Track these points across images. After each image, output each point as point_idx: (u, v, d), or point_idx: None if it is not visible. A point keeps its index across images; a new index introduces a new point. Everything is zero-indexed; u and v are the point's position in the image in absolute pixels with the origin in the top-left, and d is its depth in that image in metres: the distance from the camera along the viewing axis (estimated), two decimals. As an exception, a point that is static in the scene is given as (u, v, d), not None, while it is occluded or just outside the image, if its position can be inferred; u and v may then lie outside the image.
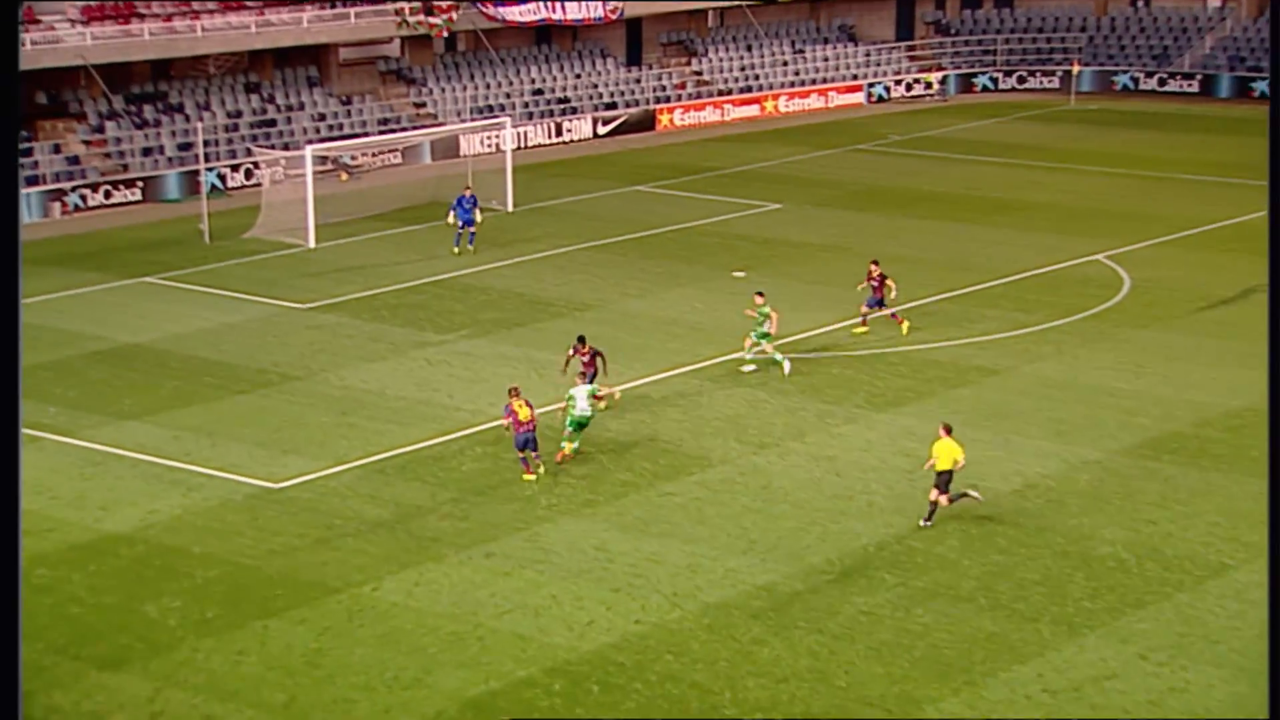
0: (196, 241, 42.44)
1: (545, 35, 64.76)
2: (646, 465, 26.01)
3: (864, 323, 32.91)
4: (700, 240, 42.60)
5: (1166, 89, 68.27)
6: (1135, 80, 69.08)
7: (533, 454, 25.28)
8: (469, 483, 25.34)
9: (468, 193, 41.33)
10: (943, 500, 23.30)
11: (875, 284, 32.57)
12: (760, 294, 30.85)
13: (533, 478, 25.21)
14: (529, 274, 38.85)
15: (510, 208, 46.43)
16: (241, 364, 31.64)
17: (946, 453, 23.30)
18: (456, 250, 40.60)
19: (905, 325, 32.85)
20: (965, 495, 23.51)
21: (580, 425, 25.95)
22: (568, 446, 26.01)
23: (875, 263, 32.92)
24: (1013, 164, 54.03)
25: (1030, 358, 31.71)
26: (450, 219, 41.04)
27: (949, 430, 23.52)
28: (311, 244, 41.96)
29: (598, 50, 65.42)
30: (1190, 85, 68.10)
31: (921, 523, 23.44)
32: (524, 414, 25.20)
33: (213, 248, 41.88)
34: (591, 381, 26.79)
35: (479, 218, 41.04)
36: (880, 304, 32.74)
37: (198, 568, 22.31)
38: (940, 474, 23.29)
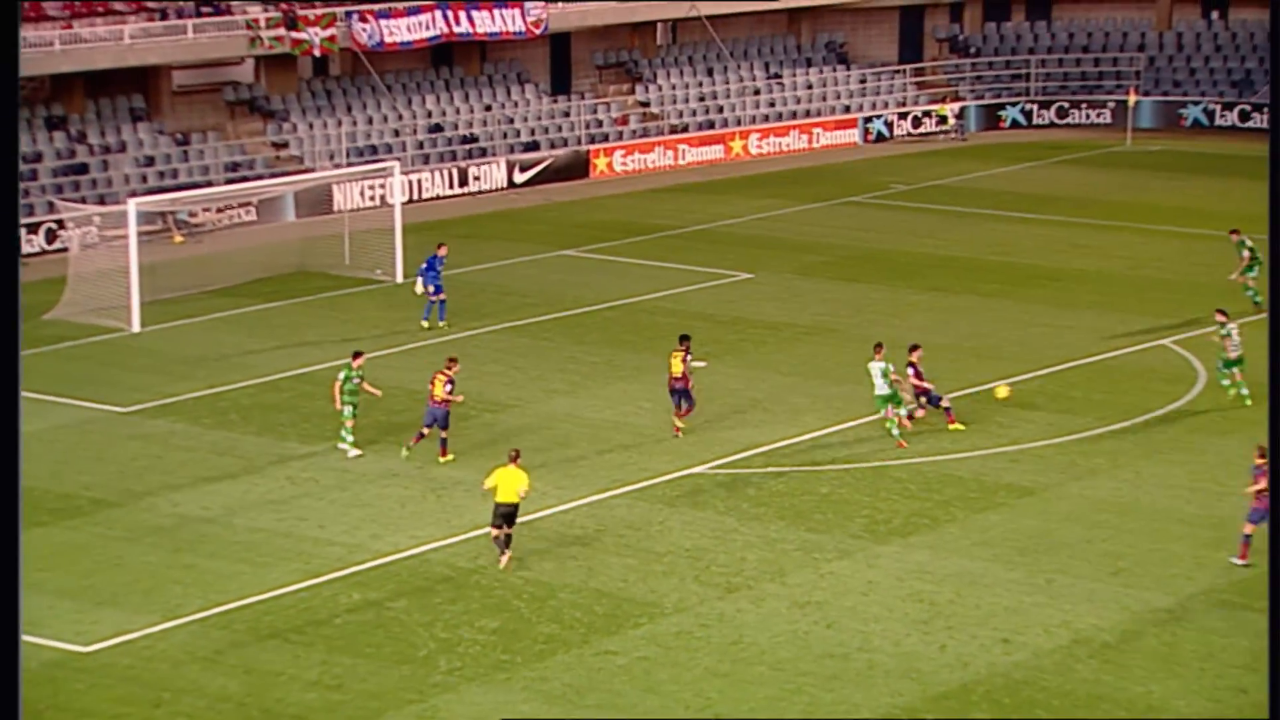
0: (-18, 324, 42.23)
1: (445, 55, 65.45)
2: (578, 615, 26.04)
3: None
4: (648, 320, 42.94)
5: (1250, 124, 69.85)
6: (1209, 113, 70.67)
7: (437, 430, 32.02)
8: (345, 641, 25.25)
9: (442, 252, 42.21)
10: (495, 532, 27.23)
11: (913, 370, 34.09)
12: (358, 354, 33.25)
13: (405, 453, 32.24)
14: (425, 364, 38.91)
15: (400, 278, 46.62)
16: (40, 486, 31.44)
17: (509, 482, 27.02)
18: (425, 324, 41.62)
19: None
20: (505, 541, 27.29)
21: (888, 400, 33.23)
22: (898, 422, 33.19)
23: (915, 347, 34.36)
24: (1052, 221, 54.91)
25: (1078, 473, 32.09)
26: (419, 289, 41.82)
27: (516, 457, 27.40)
28: (135, 327, 41.93)
29: (514, 75, 66.20)
30: None
31: (502, 563, 27.22)
32: (437, 390, 31.99)
33: (4, 332, 41.69)
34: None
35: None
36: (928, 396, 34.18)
37: (-20, 758, 22.04)
38: (500, 505, 27.00)
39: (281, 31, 57.83)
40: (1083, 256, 49.82)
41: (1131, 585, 26.95)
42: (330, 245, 48.56)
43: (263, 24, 57.75)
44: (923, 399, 33.92)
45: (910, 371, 33.73)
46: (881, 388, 33.32)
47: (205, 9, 57.80)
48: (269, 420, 35.19)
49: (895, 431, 33.22)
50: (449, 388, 32.03)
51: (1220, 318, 35.69)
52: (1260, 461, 26.81)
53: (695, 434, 33.99)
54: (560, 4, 64.89)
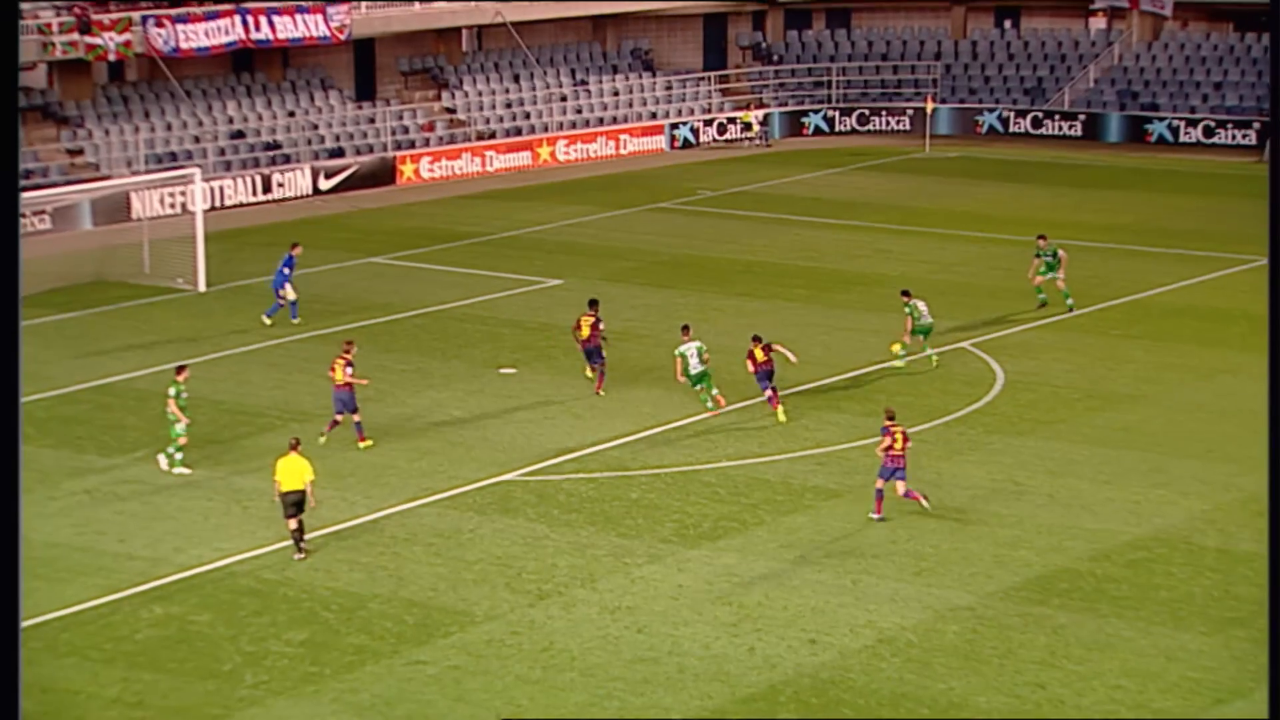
0: None
1: (246, 61, 64.66)
2: (388, 625, 25.89)
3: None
4: (456, 328, 42.82)
5: (1042, 131, 71.60)
6: (1004, 121, 72.27)
7: (343, 416, 33.08)
8: (146, 656, 24.84)
9: (296, 252, 42.44)
10: (291, 524, 27.69)
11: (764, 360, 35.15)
12: (181, 368, 32.72)
13: (322, 439, 32.94)
14: (229, 374, 38.47)
15: (203, 286, 45.99)
16: None
17: (293, 471, 27.64)
18: (297, 321, 41.89)
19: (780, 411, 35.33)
20: (301, 540, 27.83)
21: (701, 378, 34.77)
22: (710, 401, 35.00)
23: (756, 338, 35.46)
24: (854, 226, 55.73)
25: (882, 474, 32.58)
26: (290, 295, 41.94)
27: (296, 445, 28.07)
28: (-73, 338, 40.87)
29: (318, 81, 65.62)
30: (1072, 127, 71.54)
31: (295, 557, 27.71)
32: (338, 375, 33.03)
33: None
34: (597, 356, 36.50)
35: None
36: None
37: None
38: (288, 494, 27.60)
39: (75, 36, 56.68)
40: (885, 261, 50.62)
41: (933, 584, 27.43)
42: (129, 254, 47.72)
43: (55, 29, 56.55)
44: (763, 385, 34.93)
45: (750, 361, 34.94)
46: (696, 367, 34.77)
47: (-5, 12, 56.47)
48: (66, 433, 34.49)
49: (709, 402, 35.17)
50: (350, 370, 32.98)
51: (905, 298, 39.04)
52: (888, 423, 29.65)
53: (503, 440, 34.00)
54: (364, 9, 64.48)
